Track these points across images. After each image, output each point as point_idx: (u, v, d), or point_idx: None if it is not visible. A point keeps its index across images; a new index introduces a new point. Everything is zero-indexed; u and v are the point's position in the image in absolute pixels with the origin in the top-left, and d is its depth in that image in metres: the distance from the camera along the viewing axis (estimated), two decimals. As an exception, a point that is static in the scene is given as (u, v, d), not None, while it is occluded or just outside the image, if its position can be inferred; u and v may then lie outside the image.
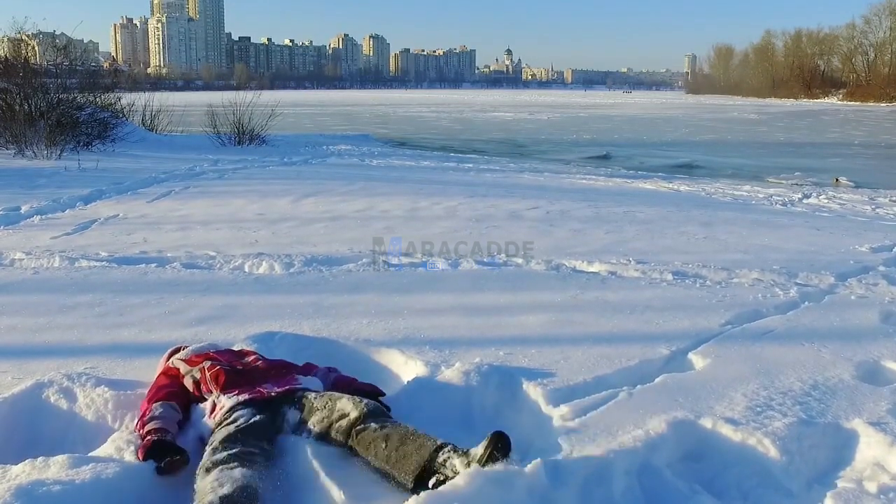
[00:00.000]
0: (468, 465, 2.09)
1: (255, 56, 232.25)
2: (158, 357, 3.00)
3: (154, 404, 2.51)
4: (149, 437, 2.33)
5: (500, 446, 2.09)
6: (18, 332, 3.52)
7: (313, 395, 2.51)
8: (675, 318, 3.74)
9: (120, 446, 2.35)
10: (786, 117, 43.09)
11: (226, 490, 2.01)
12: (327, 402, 2.44)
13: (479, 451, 2.10)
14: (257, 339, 3.28)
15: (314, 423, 2.39)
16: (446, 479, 2.09)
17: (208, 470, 2.12)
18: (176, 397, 2.58)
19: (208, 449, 2.25)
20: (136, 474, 2.19)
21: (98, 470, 2.12)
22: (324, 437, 2.37)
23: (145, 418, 2.44)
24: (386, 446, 2.22)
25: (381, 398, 2.64)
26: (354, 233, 6.06)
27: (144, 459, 2.24)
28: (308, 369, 2.85)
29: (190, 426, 2.51)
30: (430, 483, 2.11)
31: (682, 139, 25.33)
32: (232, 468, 2.09)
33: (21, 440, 2.57)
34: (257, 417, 2.36)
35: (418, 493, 2.01)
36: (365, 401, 2.42)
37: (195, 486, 2.10)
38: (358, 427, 2.31)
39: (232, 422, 2.34)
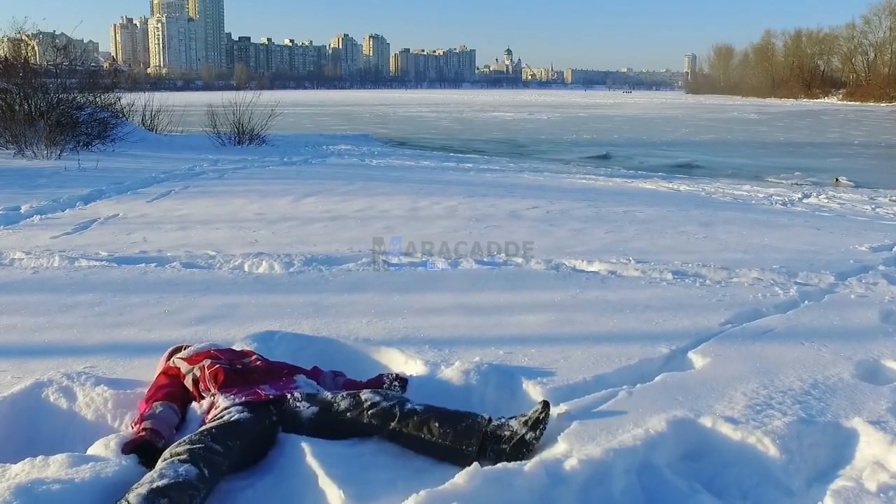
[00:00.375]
0: (525, 422, 2.34)
1: (255, 56, 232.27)
2: (158, 356, 3.00)
3: (154, 404, 2.50)
4: (140, 435, 2.33)
5: (548, 410, 2.40)
6: (18, 332, 3.52)
7: (329, 394, 2.54)
8: (675, 317, 3.74)
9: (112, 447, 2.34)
10: (786, 117, 43.10)
11: (161, 483, 1.99)
12: (348, 396, 2.47)
13: (531, 414, 2.38)
14: (257, 339, 3.28)
15: (340, 415, 2.41)
16: (509, 437, 2.32)
17: (163, 458, 2.12)
18: (175, 398, 2.58)
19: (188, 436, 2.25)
20: (135, 473, 2.19)
21: (97, 469, 2.12)
22: (353, 426, 2.39)
23: (143, 415, 2.44)
24: (440, 424, 2.33)
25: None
26: (354, 232, 6.06)
27: (126, 453, 2.23)
28: (315, 374, 2.85)
29: (186, 426, 2.51)
30: (495, 448, 2.31)
31: (682, 139, 25.33)
32: (181, 461, 2.07)
33: (20, 439, 2.57)
34: (243, 415, 2.35)
35: (481, 463, 2.14)
36: (389, 392, 2.55)
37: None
38: (396, 412, 2.37)
39: (222, 414, 2.36)
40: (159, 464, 2.10)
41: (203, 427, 2.30)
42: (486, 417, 2.41)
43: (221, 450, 2.18)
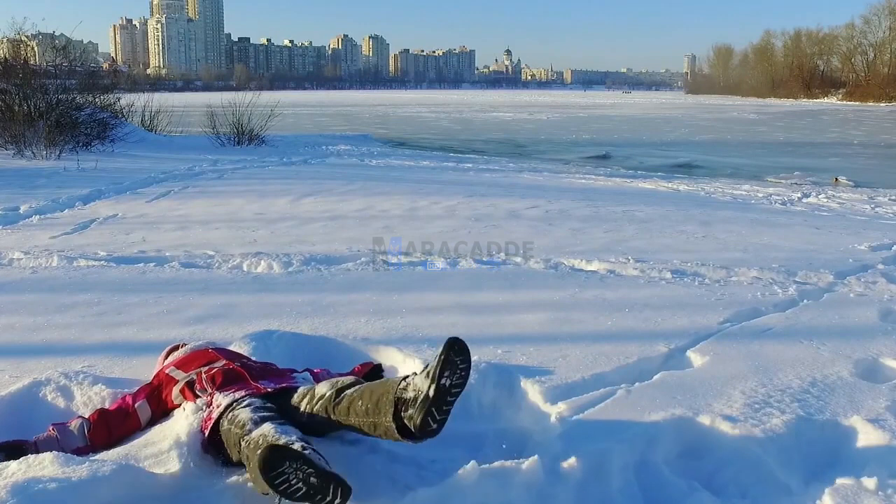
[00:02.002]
0: (427, 375, 1.99)
1: (255, 57, 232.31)
2: (156, 356, 3.00)
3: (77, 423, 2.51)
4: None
5: (456, 348, 1.99)
6: (16, 331, 3.51)
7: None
8: (674, 316, 3.73)
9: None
10: (785, 117, 43.11)
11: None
12: (308, 391, 2.41)
13: (433, 362, 2.00)
14: (255, 338, 3.27)
15: (301, 412, 2.35)
16: (413, 399, 2.00)
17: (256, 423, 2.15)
18: (124, 426, 2.57)
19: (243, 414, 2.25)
20: (133, 473, 2.19)
21: (94, 468, 2.11)
22: (311, 423, 2.32)
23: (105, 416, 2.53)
24: (361, 402, 2.14)
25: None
26: (353, 232, 6.05)
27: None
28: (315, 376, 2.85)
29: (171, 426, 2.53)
30: (403, 415, 2.02)
31: (682, 139, 25.34)
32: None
33: (18, 438, 2.56)
34: (268, 404, 2.36)
35: (406, 437, 2.01)
36: (341, 379, 2.37)
37: (240, 447, 2.13)
38: (336, 399, 2.25)
39: (246, 406, 2.34)
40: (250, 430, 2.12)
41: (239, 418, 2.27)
42: (402, 377, 2.11)
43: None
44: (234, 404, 2.40)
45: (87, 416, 2.55)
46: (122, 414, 2.59)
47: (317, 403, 2.27)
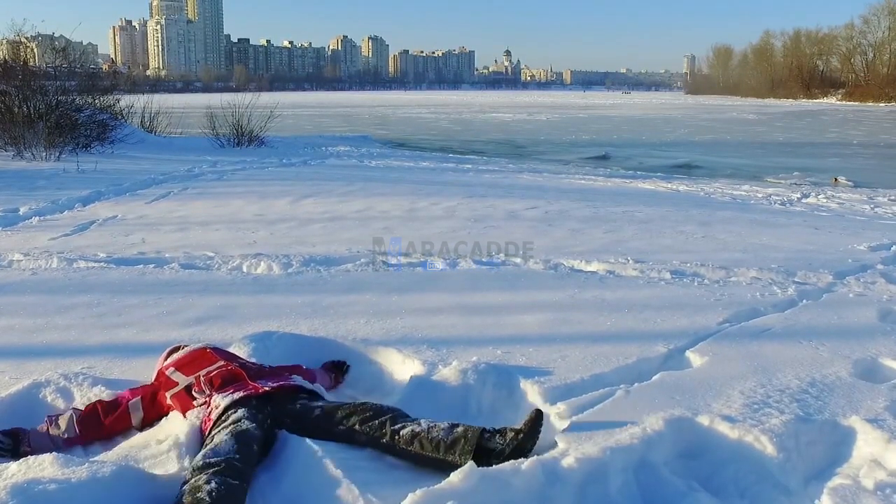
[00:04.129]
0: (518, 433, 2.27)
1: (254, 58, 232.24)
2: (156, 357, 3.00)
3: (65, 420, 2.53)
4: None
5: (541, 420, 2.32)
6: (16, 333, 3.52)
7: (329, 400, 2.56)
8: (673, 316, 3.74)
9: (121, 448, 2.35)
10: (785, 117, 43.12)
11: (213, 488, 2.02)
12: (345, 406, 2.47)
13: (524, 424, 2.30)
14: (255, 339, 3.27)
15: (336, 424, 2.41)
16: (501, 450, 2.25)
17: (200, 469, 2.12)
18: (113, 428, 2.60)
19: (205, 449, 2.25)
20: (132, 474, 2.19)
21: (94, 469, 2.11)
22: (348, 437, 2.40)
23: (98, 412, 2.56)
24: (431, 438, 2.29)
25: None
26: (353, 233, 6.06)
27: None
28: (310, 375, 2.87)
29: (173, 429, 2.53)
30: (491, 457, 2.24)
31: (681, 139, 25.35)
32: (214, 474, 2.08)
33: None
34: (252, 425, 2.34)
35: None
36: (365, 403, 2.50)
37: (184, 484, 2.10)
38: (387, 430, 2.34)
39: (229, 423, 2.34)
40: (192, 479, 2.09)
41: (214, 441, 2.27)
42: (478, 428, 2.32)
43: (242, 457, 2.20)
44: (230, 409, 2.41)
45: (81, 408, 2.58)
46: (112, 406, 2.61)
47: (363, 425, 2.39)
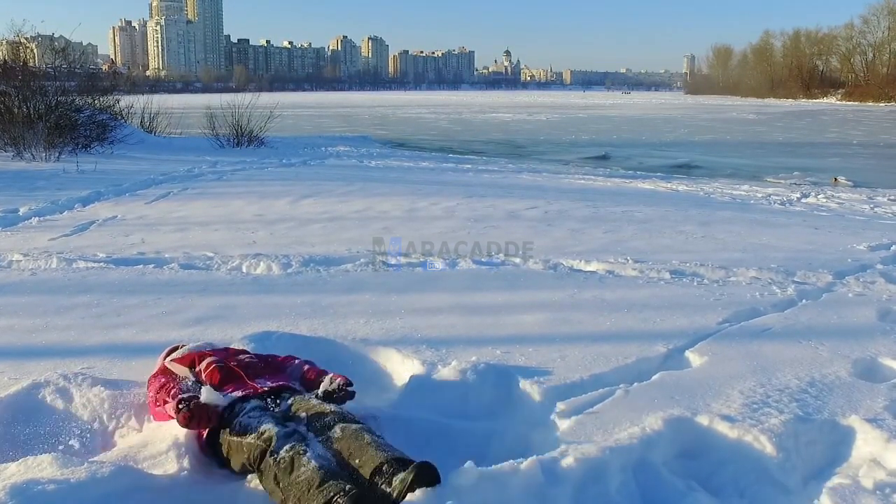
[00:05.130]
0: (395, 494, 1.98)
1: (254, 58, 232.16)
2: (155, 357, 3.00)
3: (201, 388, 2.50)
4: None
5: (422, 475, 1.98)
6: (16, 333, 3.52)
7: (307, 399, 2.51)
8: (673, 316, 3.74)
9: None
10: (784, 117, 43.11)
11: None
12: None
13: (399, 481, 2.00)
14: (254, 339, 3.28)
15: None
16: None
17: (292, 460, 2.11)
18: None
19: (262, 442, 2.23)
20: (131, 474, 2.19)
21: (93, 470, 2.11)
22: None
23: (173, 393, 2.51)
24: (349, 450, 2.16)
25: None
26: (352, 233, 6.06)
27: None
28: (286, 361, 2.86)
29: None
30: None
31: (681, 139, 25.34)
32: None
33: (17, 439, 2.57)
34: (271, 414, 2.37)
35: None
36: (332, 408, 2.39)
37: (267, 476, 2.12)
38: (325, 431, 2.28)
39: (250, 411, 2.36)
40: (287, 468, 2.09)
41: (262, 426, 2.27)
42: (378, 464, 2.08)
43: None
44: (235, 406, 2.41)
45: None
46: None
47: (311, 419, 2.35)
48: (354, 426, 2.24)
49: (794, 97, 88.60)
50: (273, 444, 2.17)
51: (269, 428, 2.24)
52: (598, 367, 3.01)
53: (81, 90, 14.94)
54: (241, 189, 9.17)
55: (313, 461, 2.07)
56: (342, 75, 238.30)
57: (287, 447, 2.13)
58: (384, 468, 2.05)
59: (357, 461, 2.11)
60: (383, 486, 2.01)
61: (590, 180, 11.92)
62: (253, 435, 2.26)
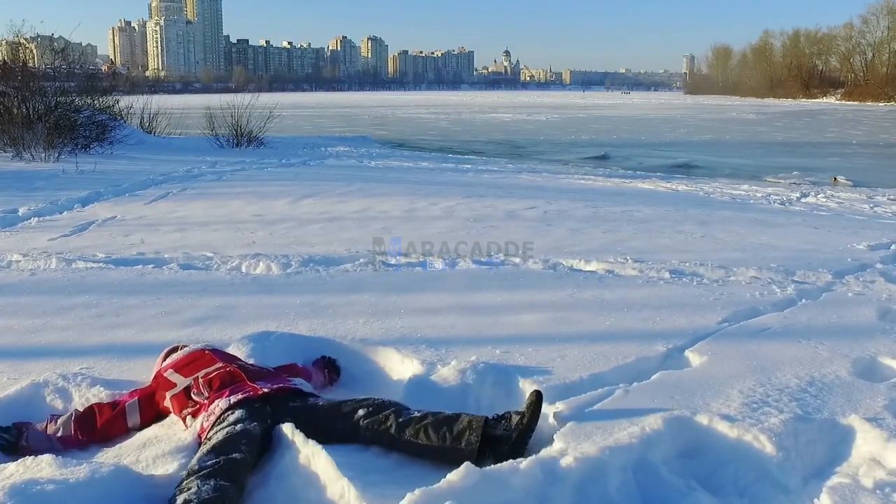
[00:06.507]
0: (521, 419, 2.32)
1: (254, 58, 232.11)
2: (154, 357, 3.00)
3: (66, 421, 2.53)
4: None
5: (540, 403, 2.36)
6: (15, 333, 3.51)
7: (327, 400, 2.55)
8: (672, 315, 3.73)
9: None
10: (784, 117, 43.12)
11: (204, 490, 2.02)
12: (347, 403, 2.49)
13: (525, 409, 2.35)
14: (253, 339, 3.27)
15: (337, 422, 2.43)
16: (508, 432, 2.31)
17: (194, 473, 2.11)
18: (110, 429, 2.59)
19: (201, 450, 2.24)
20: (131, 475, 2.19)
21: (92, 470, 2.11)
22: (351, 435, 2.41)
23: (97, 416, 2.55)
24: (435, 429, 2.32)
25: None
26: (352, 233, 6.05)
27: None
28: (307, 374, 2.88)
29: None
30: (495, 448, 2.29)
31: (681, 139, 25.34)
32: (209, 476, 2.08)
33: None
34: (245, 422, 2.35)
35: (480, 462, 2.14)
36: (367, 398, 2.51)
37: (178, 485, 2.09)
38: (391, 423, 2.37)
39: (227, 424, 2.34)
40: (185, 482, 2.08)
41: (211, 442, 2.27)
42: (482, 417, 2.37)
43: (240, 458, 2.19)
44: (229, 411, 2.41)
45: (80, 409, 2.59)
46: (108, 407, 2.61)
47: (365, 420, 2.41)
48: (412, 413, 2.40)
49: (793, 97, 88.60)
50: (191, 469, 2.15)
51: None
52: (598, 366, 3.01)
53: (81, 91, 14.93)
54: (240, 189, 9.17)
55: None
56: (341, 75, 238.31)
57: (189, 480, 2.10)
58: (490, 419, 2.34)
59: (454, 430, 2.30)
60: (502, 430, 2.30)
61: (589, 180, 11.92)
62: (222, 425, 2.33)
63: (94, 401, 2.69)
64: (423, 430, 2.32)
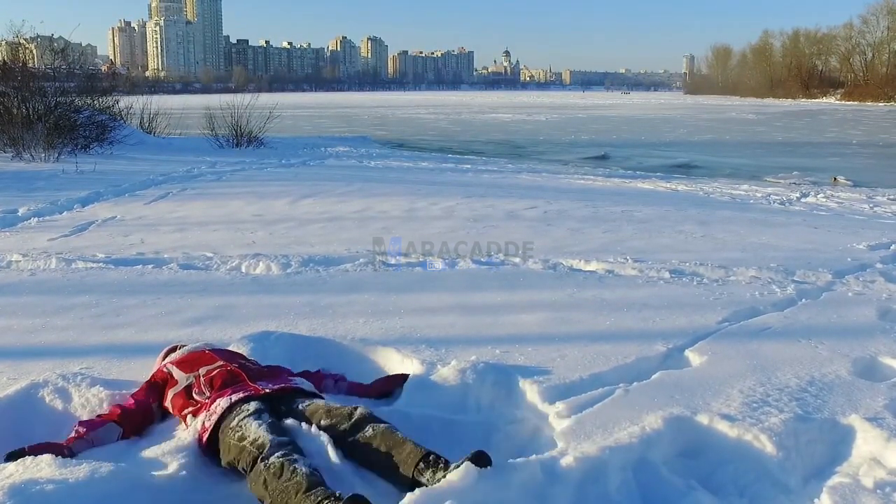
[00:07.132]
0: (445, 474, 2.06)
1: (254, 58, 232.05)
2: (154, 357, 3.00)
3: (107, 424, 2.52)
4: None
5: (480, 458, 2.05)
6: (14, 333, 3.51)
7: (319, 402, 2.52)
8: (672, 315, 3.73)
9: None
10: (784, 117, 43.12)
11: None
12: (326, 409, 2.44)
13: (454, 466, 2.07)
14: (253, 339, 3.27)
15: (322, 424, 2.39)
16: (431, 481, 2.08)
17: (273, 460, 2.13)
18: (134, 420, 2.59)
19: (252, 437, 2.26)
20: (130, 475, 2.19)
21: (92, 470, 2.11)
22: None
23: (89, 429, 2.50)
24: (379, 451, 2.22)
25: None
26: (352, 233, 6.05)
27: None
28: (318, 378, 2.86)
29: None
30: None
31: (681, 139, 25.34)
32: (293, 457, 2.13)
33: (16, 440, 2.56)
34: (269, 420, 2.36)
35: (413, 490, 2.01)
36: (359, 408, 2.40)
37: (257, 481, 2.12)
38: (355, 432, 2.31)
39: (247, 414, 2.36)
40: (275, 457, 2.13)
41: (252, 434, 2.28)
42: (423, 454, 2.16)
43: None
44: (235, 408, 2.40)
45: (112, 419, 2.55)
46: (144, 411, 2.62)
47: (334, 423, 2.36)
48: (384, 424, 2.30)
49: (793, 97, 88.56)
50: (265, 451, 2.18)
51: (263, 435, 2.25)
52: (598, 366, 3.01)
53: (81, 91, 14.93)
54: (240, 189, 9.17)
55: (303, 468, 2.09)
56: (341, 76, 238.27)
57: (279, 454, 2.14)
58: (431, 458, 2.13)
59: (397, 455, 2.17)
60: (427, 476, 2.09)
61: (589, 180, 11.92)
62: (247, 440, 2.27)
63: (93, 401, 2.69)
64: (376, 440, 2.26)
